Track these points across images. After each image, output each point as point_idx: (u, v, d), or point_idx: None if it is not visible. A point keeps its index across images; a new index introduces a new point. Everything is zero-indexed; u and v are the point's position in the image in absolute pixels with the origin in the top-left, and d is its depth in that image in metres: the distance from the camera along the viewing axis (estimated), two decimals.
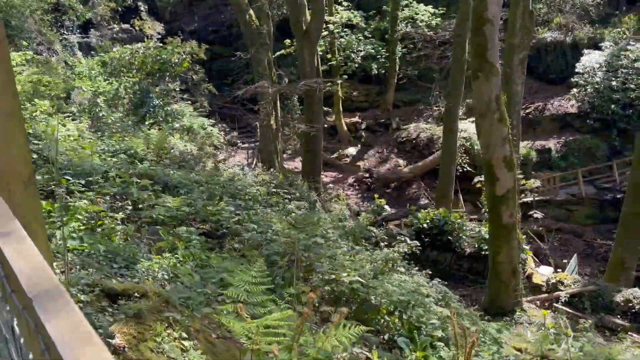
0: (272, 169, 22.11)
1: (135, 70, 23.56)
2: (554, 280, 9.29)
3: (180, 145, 14.56)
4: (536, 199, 19.46)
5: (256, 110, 30.41)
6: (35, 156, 5.52)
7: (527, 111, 23.70)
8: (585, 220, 20.31)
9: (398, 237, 10.64)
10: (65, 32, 24.58)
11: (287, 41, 25.26)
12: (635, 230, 14.28)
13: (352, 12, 25.67)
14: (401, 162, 24.58)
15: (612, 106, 21.10)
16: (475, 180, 13.19)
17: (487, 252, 9.64)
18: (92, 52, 26.53)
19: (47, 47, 21.55)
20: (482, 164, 8.43)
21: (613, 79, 21.35)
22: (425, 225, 10.14)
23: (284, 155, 25.35)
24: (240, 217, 4.26)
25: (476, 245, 9.68)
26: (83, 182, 4.93)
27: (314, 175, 19.33)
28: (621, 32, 23.59)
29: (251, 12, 22.08)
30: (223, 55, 31.00)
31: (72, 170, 5.32)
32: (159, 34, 31.62)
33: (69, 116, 11.04)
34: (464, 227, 9.92)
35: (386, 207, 12.78)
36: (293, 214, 5.53)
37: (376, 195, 14.96)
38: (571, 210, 20.32)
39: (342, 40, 25.85)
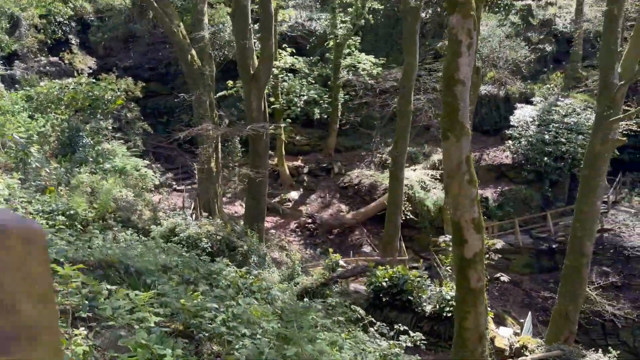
0: (211, 215, 21.15)
1: (64, 106, 22.05)
2: (517, 345, 9.07)
3: (115, 190, 13.39)
4: None
5: (193, 150, 29.42)
6: None
7: None
8: (522, 269, 20.78)
9: (354, 295, 10.11)
10: None
11: (230, 82, 24.74)
12: (577, 282, 14.60)
13: (296, 58, 25.67)
14: (343, 207, 24.32)
15: (545, 158, 22.08)
16: (440, 240, 12.97)
17: (449, 314, 9.29)
18: (16, 85, 24.67)
19: None
20: (450, 225, 8.10)
21: (545, 132, 22.45)
22: (384, 283, 9.68)
23: (223, 199, 24.36)
24: (224, 314, 3.53)
25: (437, 306, 9.31)
26: None
27: (258, 222, 18.55)
28: (550, 88, 25.08)
29: (193, 52, 21.44)
30: (159, 93, 29.93)
31: None
32: (90, 68, 30.18)
33: None
34: (424, 287, 9.55)
35: (341, 262, 12.21)
36: (279, 303, 4.84)
37: (331, 250, 14.38)
38: (509, 259, 20.72)
39: (285, 84, 25.69)
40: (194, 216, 20.03)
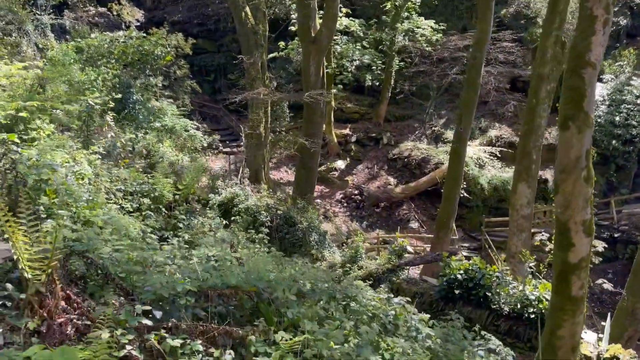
0: (258, 181, 20.68)
1: (114, 60, 21.58)
2: (606, 355, 8.36)
3: (171, 155, 12.91)
4: (533, 230, 18.73)
5: (239, 111, 28.81)
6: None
7: None
8: None
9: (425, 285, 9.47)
10: (37, 11, 22.29)
11: (282, 43, 23.78)
12: None
13: (352, 20, 24.42)
14: (391, 180, 23.51)
15: (613, 142, 20.65)
16: (537, 239, 12.09)
17: (531, 315, 8.57)
18: (65, 35, 24.28)
19: (18, 26, 19.33)
20: (555, 225, 7.23)
21: (616, 113, 20.93)
22: (459, 276, 8.98)
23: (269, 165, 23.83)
24: None
25: (518, 305, 8.59)
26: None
27: (307, 193, 17.97)
28: (622, 66, 23.28)
29: (247, 10, 20.53)
30: (207, 50, 29.19)
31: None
32: (137, 21, 29.50)
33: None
34: (504, 284, 8.82)
35: (408, 248, 11.53)
36: (430, 343, 4.14)
37: (398, 234, 13.69)
38: None
39: (338, 47, 24.57)
40: (241, 182, 19.58)
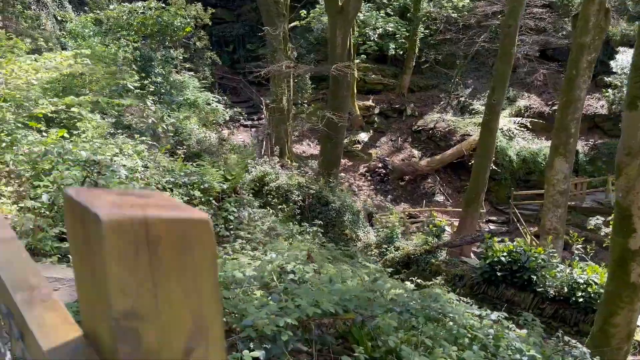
0: (282, 155, 20.41)
1: (133, 32, 21.15)
2: None
3: (197, 130, 12.63)
4: None
5: (260, 82, 28.31)
6: None
7: (552, 108, 22.35)
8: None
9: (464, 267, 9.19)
10: None
11: (303, 12, 23.09)
12: None
13: None
14: (416, 152, 23.07)
15: None
16: (592, 222, 11.69)
17: (579, 300, 8.29)
18: (83, 6, 23.80)
19: None
20: (615, 210, 6.87)
21: None
22: (502, 258, 8.69)
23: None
24: None
25: (565, 289, 8.30)
26: None
27: (333, 168, 17.64)
28: None
29: None
30: (225, 20, 28.56)
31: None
32: None
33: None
34: (550, 267, 8.51)
35: (446, 228, 11.20)
36: None
37: (435, 215, 13.36)
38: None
39: (361, 15, 23.80)
40: (265, 156, 19.32)
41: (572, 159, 13.56)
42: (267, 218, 6.89)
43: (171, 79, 19.54)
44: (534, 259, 8.65)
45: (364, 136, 23.74)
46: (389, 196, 21.15)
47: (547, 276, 8.57)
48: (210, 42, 26.88)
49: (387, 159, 22.53)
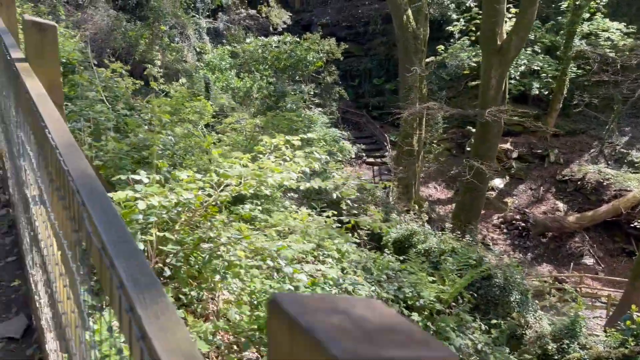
0: (408, 198, 19.00)
1: (267, 66, 21.12)
2: None
3: (338, 177, 11.56)
4: None
5: (383, 118, 27.25)
6: None
7: None
8: None
9: None
10: (197, 15, 22.53)
11: (440, 47, 21.75)
12: None
13: None
14: (560, 205, 20.44)
15: None
16: None
17: None
18: (219, 38, 24.43)
19: (180, 31, 19.47)
20: None
21: None
22: None
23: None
24: None
25: None
26: None
27: (471, 220, 15.88)
28: None
29: (409, 12, 18.84)
30: (353, 54, 28.01)
31: None
32: (284, 23, 29.04)
33: None
34: None
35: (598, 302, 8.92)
36: None
37: (585, 282, 11.09)
38: None
39: None
40: (391, 199, 17.99)
41: None
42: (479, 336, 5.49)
43: (302, 114, 18.99)
44: None
45: (499, 182, 21.59)
46: (529, 254, 18.78)
47: None
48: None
49: (526, 210, 20.18)
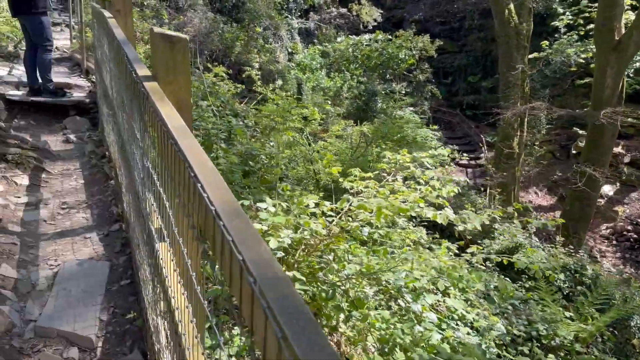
0: (507, 204, 17.86)
1: (357, 64, 20.80)
2: None
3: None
4: None
5: (478, 116, 25.98)
6: None
7: None
8: None
9: None
10: (289, 15, 22.67)
11: (545, 42, 20.22)
12: None
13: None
14: None
15: None
16: None
17: None
18: (310, 38, 24.46)
19: (274, 32, 19.66)
20: None
21: None
22: None
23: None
24: None
25: None
26: None
27: (579, 230, 14.59)
28: None
29: (512, 6, 17.72)
30: (447, 50, 26.91)
31: None
32: (375, 21, 28.54)
33: None
34: None
35: None
36: None
37: None
38: None
39: None
40: (492, 206, 16.99)
41: None
42: None
43: (393, 114, 18.47)
44: None
45: (608, 189, 19.78)
46: None
47: None
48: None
49: (639, 219, 18.32)
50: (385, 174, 4.35)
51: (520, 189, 21.39)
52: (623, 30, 12.18)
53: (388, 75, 21.67)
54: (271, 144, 4.85)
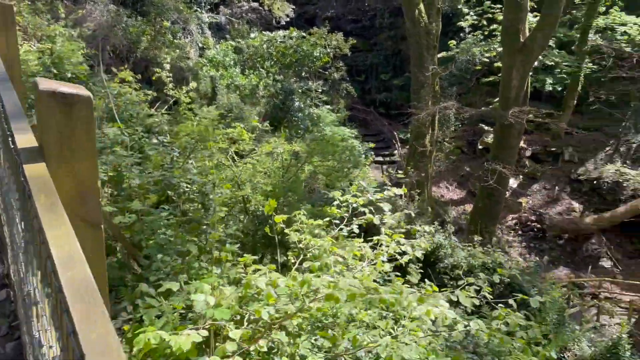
0: (420, 198, 18.35)
1: (272, 62, 20.34)
2: None
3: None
4: None
5: (390, 115, 26.53)
6: None
7: None
8: None
9: None
10: (198, 9, 21.67)
11: (452, 42, 20.94)
12: None
13: (535, 14, 20.89)
14: (576, 206, 19.82)
15: None
16: None
17: None
18: (221, 32, 23.56)
19: (183, 26, 18.67)
20: None
21: None
22: None
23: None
24: None
25: None
26: None
27: (488, 225, 15.26)
28: None
29: (422, 6, 18.08)
30: (359, 49, 27.18)
31: None
32: (287, 16, 28.16)
33: None
34: None
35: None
36: None
37: (605, 286, 10.46)
38: None
39: None
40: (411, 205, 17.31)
41: None
42: None
43: (309, 112, 18.29)
44: None
45: (512, 182, 20.91)
46: (545, 257, 18.18)
47: None
48: None
49: (542, 211, 19.57)
50: (337, 222, 4.02)
51: (432, 184, 22.10)
52: (527, 33, 12.78)
53: (304, 73, 21.40)
54: (193, 171, 4.33)
